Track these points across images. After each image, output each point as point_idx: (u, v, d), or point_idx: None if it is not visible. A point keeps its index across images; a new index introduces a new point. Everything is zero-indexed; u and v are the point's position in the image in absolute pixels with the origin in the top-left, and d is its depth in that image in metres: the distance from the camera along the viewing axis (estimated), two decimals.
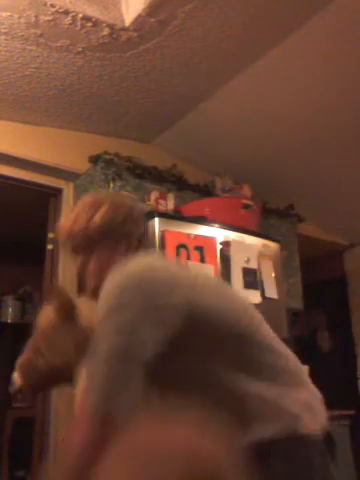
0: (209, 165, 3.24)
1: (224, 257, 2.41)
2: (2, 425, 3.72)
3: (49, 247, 2.81)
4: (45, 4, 1.90)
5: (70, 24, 2.01)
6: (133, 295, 0.95)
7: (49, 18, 1.97)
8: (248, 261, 2.53)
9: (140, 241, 1.23)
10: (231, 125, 2.93)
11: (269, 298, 2.50)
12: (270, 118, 2.81)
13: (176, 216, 2.40)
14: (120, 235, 1.20)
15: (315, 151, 3.06)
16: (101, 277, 1.08)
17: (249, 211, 2.76)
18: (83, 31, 2.06)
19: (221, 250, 2.41)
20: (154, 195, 2.62)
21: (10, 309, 4.17)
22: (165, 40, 2.17)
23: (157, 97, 2.66)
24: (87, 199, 1.23)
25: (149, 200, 2.63)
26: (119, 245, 1.19)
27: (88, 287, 1.20)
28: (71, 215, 1.21)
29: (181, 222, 2.28)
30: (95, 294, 1.10)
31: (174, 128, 3.04)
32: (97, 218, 1.17)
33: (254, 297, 2.39)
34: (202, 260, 2.25)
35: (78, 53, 2.22)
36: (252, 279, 2.47)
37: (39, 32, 2.06)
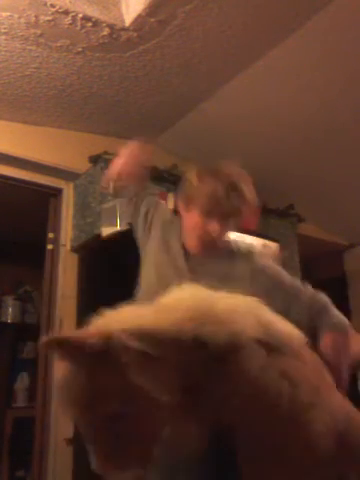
0: (209, 165, 3.23)
1: None
2: (2, 425, 3.72)
3: (49, 247, 2.81)
4: (45, 4, 1.90)
5: (70, 24, 2.01)
6: None
7: (49, 18, 1.97)
8: None
9: None
10: (231, 125, 2.93)
11: None
12: (270, 118, 2.82)
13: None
14: None
15: (315, 151, 3.06)
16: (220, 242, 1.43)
17: None
18: (83, 31, 2.06)
19: None
20: None
21: (10, 309, 4.17)
22: (165, 40, 2.17)
23: (157, 97, 2.66)
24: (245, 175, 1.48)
25: None
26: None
27: (209, 246, 1.42)
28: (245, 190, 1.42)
29: None
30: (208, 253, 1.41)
31: (174, 128, 3.03)
32: (253, 197, 1.45)
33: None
34: None
35: (78, 53, 2.22)
36: None
37: (39, 32, 2.06)
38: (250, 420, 0.91)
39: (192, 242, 1.43)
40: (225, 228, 1.40)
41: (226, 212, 1.37)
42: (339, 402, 1.01)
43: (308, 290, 1.37)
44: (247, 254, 1.45)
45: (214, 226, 1.37)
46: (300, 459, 0.89)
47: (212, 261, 1.41)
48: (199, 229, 1.39)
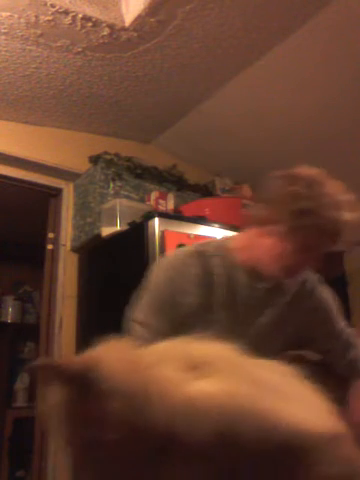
0: (209, 165, 3.24)
1: None
2: (2, 425, 3.72)
3: (49, 247, 2.81)
4: (45, 4, 1.90)
5: (70, 24, 2.01)
6: None
7: (49, 18, 1.97)
8: None
9: None
10: (231, 125, 2.93)
11: None
12: (270, 118, 2.81)
13: (176, 216, 2.40)
14: None
15: (315, 151, 3.05)
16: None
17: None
18: (83, 31, 2.06)
19: None
20: (154, 195, 2.62)
21: (10, 309, 4.18)
22: (165, 40, 2.17)
23: (157, 97, 2.66)
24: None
25: (149, 200, 2.63)
26: None
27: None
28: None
29: (181, 222, 2.27)
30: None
31: (174, 128, 3.04)
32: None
33: None
34: None
35: (78, 53, 2.22)
36: None
37: (39, 32, 2.06)
38: None
39: (271, 267, 1.19)
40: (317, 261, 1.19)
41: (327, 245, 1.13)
42: None
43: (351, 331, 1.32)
44: (312, 288, 1.30)
45: (309, 260, 1.17)
46: None
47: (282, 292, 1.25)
48: (286, 258, 1.16)
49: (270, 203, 1.17)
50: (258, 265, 1.19)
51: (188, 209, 2.59)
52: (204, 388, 0.75)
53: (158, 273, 1.24)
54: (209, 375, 0.77)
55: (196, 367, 0.78)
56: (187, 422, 0.72)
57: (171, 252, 1.36)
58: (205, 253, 1.23)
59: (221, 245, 1.27)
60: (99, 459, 0.78)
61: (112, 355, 0.81)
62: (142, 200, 2.67)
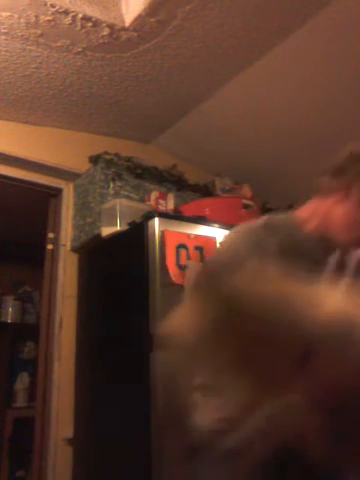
0: (209, 165, 3.24)
1: None
2: (2, 425, 3.72)
3: (49, 247, 2.81)
4: (45, 4, 1.90)
5: (70, 24, 2.01)
6: None
7: (49, 18, 1.97)
8: None
9: None
10: (231, 125, 2.93)
11: None
12: (270, 118, 2.82)
13: (176, 216, 2.40)
14: None
15: (315, 151, 3.05)
16: None
17: (249, 211, 2.76)
18: (83, 31, 2.06)
19: None
20: (154, 195, 2.62)
21: (10, 309, 4.18)
22: (165, 40, 2.17)
23: (157, 97, 2.66)
24: None
25: (149, 200, 2.64)
26: None
27: None
28: None
29: (181, 222, 2.27)
30: None
31: (174, 128, 3.04)
32: None
33: None
34: (202, 260, 2.25)
35: (78, 53, 2.22)
36: None
37: (39, 32, 2.06)
38: None
39: (342, 235, 1.22)
40: None
41: None
42: None
43: None
44: None
45: None
46: None
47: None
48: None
49: (344, 173, 1.20)
50: (328, 234, 1.22)
51: (188, 209, 2.60)
52: (340, 304, 0.87)
53: (228, 248, 1.27)
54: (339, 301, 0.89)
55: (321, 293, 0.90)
56: (329, 333, 0.82)
57: (235, 228, 1.31)
58: (270, 226, 1.25)
59: (288, 217, 1.30)
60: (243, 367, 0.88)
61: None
62: (142, 200, 2.68)
